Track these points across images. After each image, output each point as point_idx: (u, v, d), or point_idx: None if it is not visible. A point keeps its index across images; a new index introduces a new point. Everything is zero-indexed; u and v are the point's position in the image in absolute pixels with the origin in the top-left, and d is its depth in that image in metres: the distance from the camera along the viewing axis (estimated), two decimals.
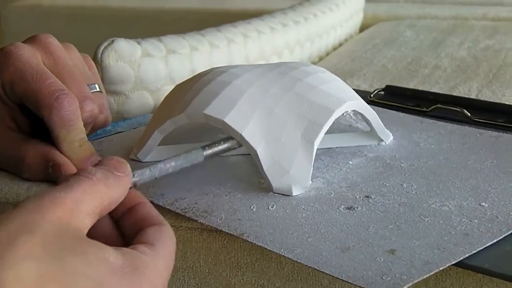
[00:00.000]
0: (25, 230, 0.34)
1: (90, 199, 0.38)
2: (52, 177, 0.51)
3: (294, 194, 0.49)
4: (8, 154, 0.54)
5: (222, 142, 0.50)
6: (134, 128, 0.67)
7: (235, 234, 0.45)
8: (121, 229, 0.41)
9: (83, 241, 0.36)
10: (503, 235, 0.44)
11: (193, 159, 0.48)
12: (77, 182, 0.38)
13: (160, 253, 0.38)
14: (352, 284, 0.40)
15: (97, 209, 0.38)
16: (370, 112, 0.57)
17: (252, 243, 0.45)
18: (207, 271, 0.49)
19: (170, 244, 0.39)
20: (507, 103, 0.76)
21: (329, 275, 0.41)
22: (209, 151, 0.49)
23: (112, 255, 0.36)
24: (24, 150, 0.53)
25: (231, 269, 0.48)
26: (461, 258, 0.41)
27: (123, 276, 0.35)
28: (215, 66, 0.58)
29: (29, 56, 0.52)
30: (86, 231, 0.37)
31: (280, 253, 0.43)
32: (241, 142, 0.50)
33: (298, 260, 0.42)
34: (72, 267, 0.34)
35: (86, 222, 0.37)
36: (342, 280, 0.40)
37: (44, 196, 0.36)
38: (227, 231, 0.46)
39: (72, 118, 0.50)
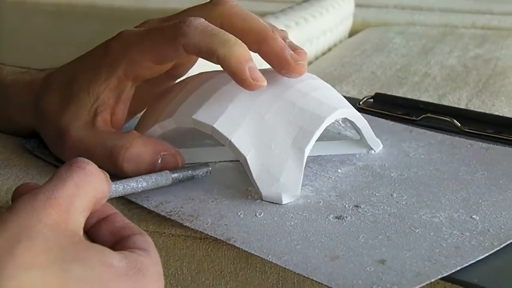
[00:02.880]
0: (24, 236, 0.33)
1: (84, 193, 0.37)
2: (154, 170, 0.50)
3: (284, 202, 0.48)
4: (106, 144, 0.51)
5: (190, 170, 0.51)
6: None
7: (222, 239, 0.44)
8: (93, 238, 0.40)
9: (83, 246, 0.35)
10: (495, 249, 0.43)
11: (162, 182, 0.49)
12: (69, 176, 0.37)
13: (155, 258, 0.38)
14: None
15: (90, 203, 0.37)
16: (361, 120, 0.56)
17: (238, 250, 0.44)
18: (190, 279, 0.48)
19: (157, 253, 0.39)
20: (496, 113, 0.75)
21: (318, 282, 0.40)
22: (176, 175, 0.50)
23: (115, 258, 0.35)
24: (129, 138, 0.51)
25: (214, 277, 0.47)
26: (453, 271, 0.41)
27: (128, 279, 0.35)
28: (205, 71, 0.57)
29: None
30: (81, 230, 0.37)
31: (268, 259, 0.42)
32: (230, 148, 0.49)
33: (286, 267, 0.41)
34: (77, 275, 0.33)
35: (81, 220, 0.37)
36: None
37: (37, 196, 0.35)
38: (213, 236, 0.45)
39: None
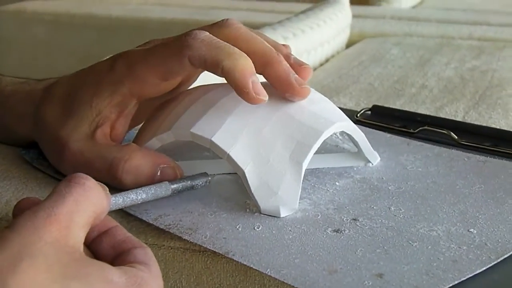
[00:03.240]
0: (25, 254, 0.33)
1: (83, 208, 0.37)
2: (152, 182, 0.50)
3: (282, 215, 0.49)
4: (105, 156, 0.52)
5: (190, 181, 0.51)
6: None
7: (221, 252, 0.45)
8: (94, 252, 0.40)
9: (83, 262, 0.35)
10: (492, 263, 0.43)
11: (161, 193, 0.49)
12: (68, 192, 0.37)
13: (155, 272, 0.38)
14: None
15: (90, 219, 0.38)
16: (358, 133, 0.57)
17: (237, 262, 0.44)
18: None
19: (158, 266, 0.39)
20: (493, 126, 0.76)
21: None
22: (175, 186, 0.50)
23: (115, 274, 0.35)
24: (128, 151, 0.51)
25: None
26: (450, 285, 0.41)
27: None
28: (202, 84, 0.57)
29: None
30: (82, 246, 0.37)
31: (267, 273, 0.42)
32: (228, 162, 0.50)
33: (285, 281, 0.41)
34: None
35: (81, 236, 0.37)
36: None
37: (38, 213, 0.35)
38: (212, 249, 0.45)
39: None
